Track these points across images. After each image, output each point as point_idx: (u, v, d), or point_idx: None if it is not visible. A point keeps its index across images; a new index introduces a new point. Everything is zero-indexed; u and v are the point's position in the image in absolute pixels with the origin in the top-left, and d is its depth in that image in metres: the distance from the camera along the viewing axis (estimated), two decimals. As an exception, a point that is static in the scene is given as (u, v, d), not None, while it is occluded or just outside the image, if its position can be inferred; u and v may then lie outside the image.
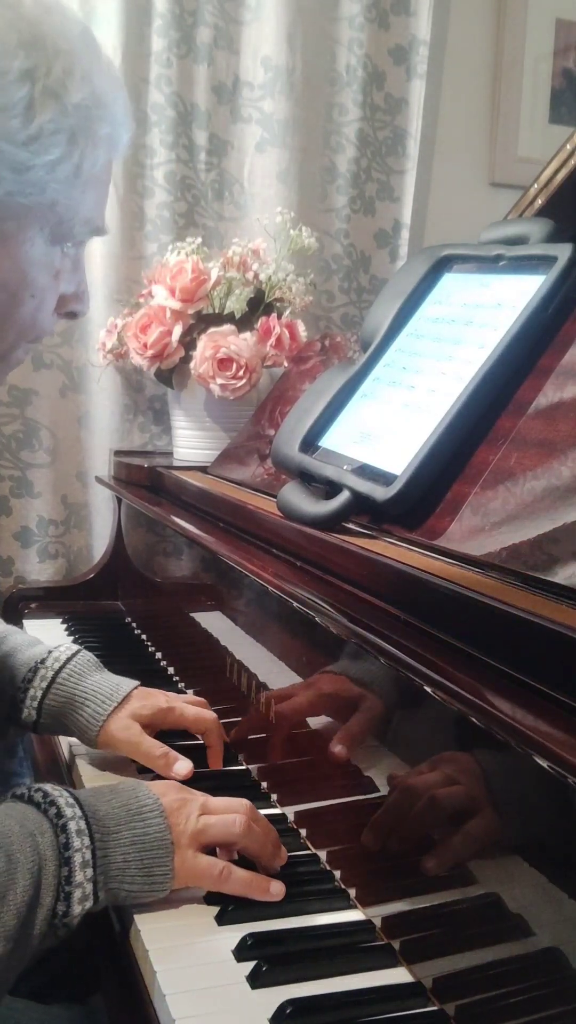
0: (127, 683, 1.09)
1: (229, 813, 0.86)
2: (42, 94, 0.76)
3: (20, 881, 0.74)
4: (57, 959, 1.03)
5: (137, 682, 1.10)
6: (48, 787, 0.82)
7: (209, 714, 1.10)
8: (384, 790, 0.83)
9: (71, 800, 0.81)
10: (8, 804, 0.81)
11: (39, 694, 1.08)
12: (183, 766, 1.02)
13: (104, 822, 0.80)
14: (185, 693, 1.30)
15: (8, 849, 0.75)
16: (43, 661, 1.10)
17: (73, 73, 0.77)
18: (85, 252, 0.90)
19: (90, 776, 1.06)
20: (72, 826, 0.79)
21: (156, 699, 1.08)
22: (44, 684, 1.08)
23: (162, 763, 1.03)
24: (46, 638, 1.55)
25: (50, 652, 1.11)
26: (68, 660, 1.10)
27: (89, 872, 0.78)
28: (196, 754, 1.12)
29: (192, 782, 1.04)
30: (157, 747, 1.04)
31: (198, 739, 1.13)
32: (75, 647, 1.13)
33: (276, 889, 0.83)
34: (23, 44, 0.75)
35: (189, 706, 1.10)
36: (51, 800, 0.80)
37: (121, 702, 1.06)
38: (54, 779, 1.07)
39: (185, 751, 1.12)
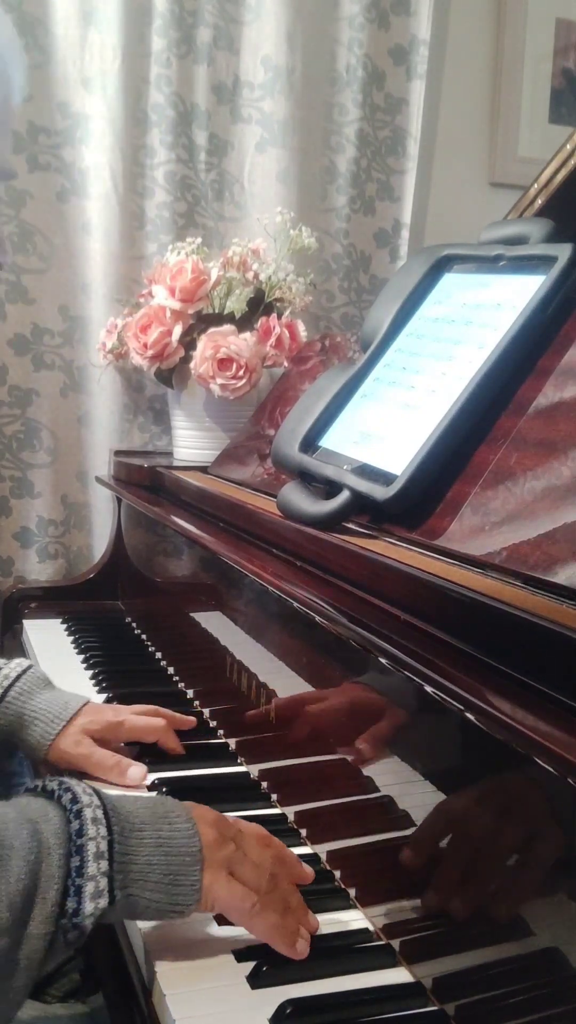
0: (76, 700, 1.09)
1: (258, 862, 0.77)
2: None
3: (12, 870, 0.66)
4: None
5: (86, 698, 1.10)
6: (66, 778, 0.76)
7: (158, 722, 1.10)
8: (384, 790, 0.83)
9: (89, 790, 0.74)
10: (15, 798, 0.75)
11: None
12: (136, 772, 1.01)
13: (127, 818, 0.73)
14: (185, 693, 1.31)
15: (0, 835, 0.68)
16: None
17: None
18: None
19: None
20: (88, 813, 0.71)
21: (104, 714, 1.08)
22: None
23: (116, 772, 1.02)
24: (46, 638, 1.57)
25: None
26: (17, 678, 1.09)
27: (103, 865, 0.70)
28: (199, 753, 1.12)
29: (191, 784, 1.04)
30: (109, 756, 1.03)
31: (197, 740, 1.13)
32: (25, 663, 1.12)
33: (302, 948, 0.75)
34: None
35: (139, 717, 1.10)
36: (67, 787, 0.74)
37: (70, 719, 1.06)
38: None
39: (188, 750, 1.12)
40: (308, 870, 0.83)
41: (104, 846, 0.70)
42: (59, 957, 0.69)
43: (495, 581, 0.78)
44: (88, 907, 0.68)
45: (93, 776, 1.03)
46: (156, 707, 1.13)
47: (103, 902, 0.69)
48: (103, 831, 0.71)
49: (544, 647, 0.65)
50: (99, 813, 0.72)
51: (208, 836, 0.75)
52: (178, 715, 1.13)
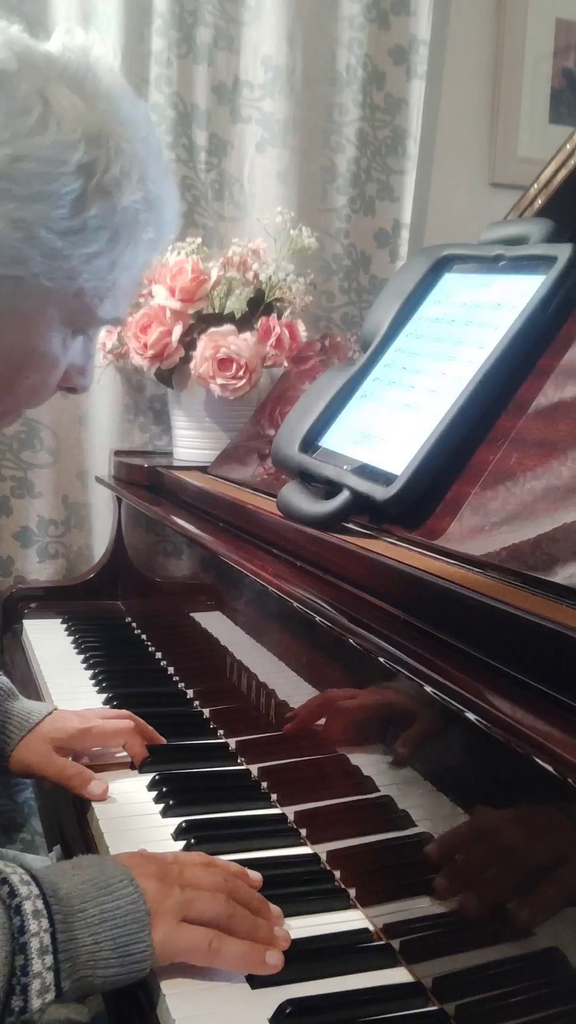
0: (40, 709, 1.09)
1: (211, 889, 0.77)
2: (94, 190, 0.76)
3: None
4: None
5: (52, 707, 1.10)
6: (0, 864, 0.73)
7: (125, 724, 1.09)
8: (384, 790, 0.83)
9: (27, 878, 0.71)
10: None
11: None
12: (97, 786, 1.00)
13: (68, 901, 0.71)
14: (185, 693, 1.30)
15: None
16: None
17: (130, 175, 0.77)
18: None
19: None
20: (27, 907, 0.69)
21: (70, 722, 1.07)
22: None
23: (76, 782, 1.01)
24: (46, 638, 1.56)
25: None
26: None
27: (48, 960, 0.68)
28: (199, 753, 1.12)
29: (191, 781, 1.04)
30: (71, 766, 1.03)
31: (201, 739, 1.13)
32: None
33: (273, 960, 0.74)
34: (87, 138, 0.75)
35: (107, 721, 1.09)
36: (3, 878, 0.71)
37: (32, 728, 1.06)
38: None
39: (188, 750, 1.12)
40: (256, 874, 0.82)
41: (47, 940, 0.68)
42: None
43: (495, 581, 0.78)
44: (35, 1004, 0.67)
45: (55, 783, 1.03)
46: (126, 711, 1.12)
47: (50, 996, 0.68)
48: (45, 924, 0.69)
49: (544, 647, 0.65)
50: (39, 904, 0.70)
51: (152, 891, 0.74)
52: (149, 727, 1.12)
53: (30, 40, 0.77)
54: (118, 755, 1.09)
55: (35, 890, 0.70)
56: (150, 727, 1.12)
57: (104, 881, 0.74)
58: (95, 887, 0.73)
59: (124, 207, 0.78)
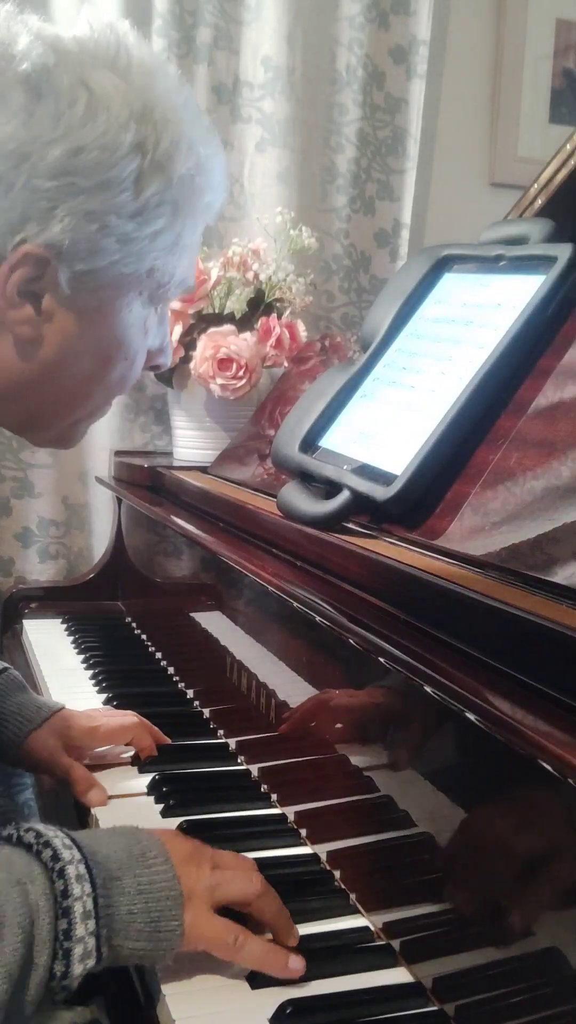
0: (50, 705, 1.09)
1: (242, 869, 0.77)
2: (150, 167, 0.77)
3: (8, 939, 0.64)
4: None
5: (61, 704, 1.10)
6: (41, 827, 0.72)
7: (132, 720, 1.10)
8: (384, 790, 0.83)
9: (68, 841, 0.71)
10: None
11: None
12: (96, 794, 1.00)
13: (106, 866, 0.71)
14: (185, 693, 1.31)
15: None
16: None
17: (179, 144, 0.78)
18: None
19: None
20: (71, 871, 0.69)
21: (78, 720, 1.08)
22: None
23: (79, 787, 1.01)
24: (46, 638, 1.57)
25: None
26: None
27: (91, 924, 0.68)
28: (199, 753, 1.12)
29: (192, 781, 1.04)
30: (75, 768, 1.03)
31: (203, 739, 1.13)
32: (1, 665, 1.12)
33: (296, 965, 0.73)
34: (134, 116, 0.75)
35: (113, 719, 1.09)
36: (46, 841, 0.70)
37: (42, 723, 1.06)
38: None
39: (188, 750, 1.12)
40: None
41: (90, 904, 0.68)
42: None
43: (495, 581, 0.78)
44: (77, 969, 0.67)
45: (58, 782, 1.03)
46: (131, 712, 1.12)
47: (91, 962, 0.68)
48: (87, 888, 0.69)
49: (544, 647, 0.65)
50: (82, 868, 0.69)
51: (185, 871, 0.73)
52: (154, 728, 1.12)
53: (54, 28, 0.78)
54: (123, 755, 1.09)
55: (77, 854, 0.70)
56: (155, 727, 1.12)
57: (140, 851, 0.73)
58: (130, 856, 0.73)
59: (180, 177, 0.79)
